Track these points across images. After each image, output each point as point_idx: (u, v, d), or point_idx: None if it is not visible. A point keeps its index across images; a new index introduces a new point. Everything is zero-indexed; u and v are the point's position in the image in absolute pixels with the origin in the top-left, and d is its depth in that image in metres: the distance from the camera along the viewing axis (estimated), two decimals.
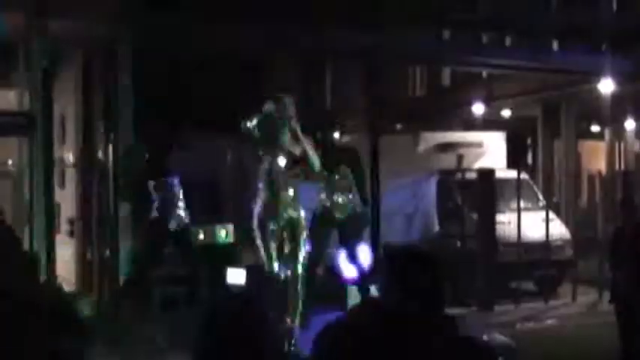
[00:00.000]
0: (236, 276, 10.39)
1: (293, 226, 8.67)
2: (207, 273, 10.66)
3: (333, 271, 10.96)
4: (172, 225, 10.33)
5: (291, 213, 8.65)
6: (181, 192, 10.36)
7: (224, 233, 10.70)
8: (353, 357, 2.01)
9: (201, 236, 11.15)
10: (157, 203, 10.32)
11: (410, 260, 3.17)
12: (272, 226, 8.59)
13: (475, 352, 3.14)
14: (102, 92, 15.78)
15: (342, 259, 11.04)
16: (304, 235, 8.75)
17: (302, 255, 8.72)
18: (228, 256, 11.22)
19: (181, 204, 10.37)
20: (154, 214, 10.32)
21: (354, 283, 11.13)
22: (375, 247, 11.39)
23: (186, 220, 10.41)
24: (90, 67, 16.28)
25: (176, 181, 10.42)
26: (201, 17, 14.53)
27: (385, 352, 2.02)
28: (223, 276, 10.70)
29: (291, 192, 8.65)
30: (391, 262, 3.19)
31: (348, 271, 10.93)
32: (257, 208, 8.60)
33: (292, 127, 8.64)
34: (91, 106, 16.42)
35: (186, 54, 16.77)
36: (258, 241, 8.59)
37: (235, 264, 10.42)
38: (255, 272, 9.25)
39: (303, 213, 8.83)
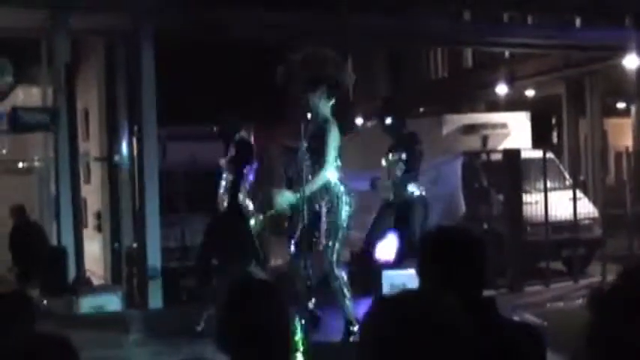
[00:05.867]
0: None
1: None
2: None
3: (365, 257, 11.00)
4: None
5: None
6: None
7: (253, 223, 10.70)
8: (399, 345, 1.99)
9: None
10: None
11: (448, 242, 3.15)
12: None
13: (523, 332, 3.13)
14: (125, 85, 15.86)
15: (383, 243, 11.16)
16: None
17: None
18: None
19: None
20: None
21: (389, 267, 11.18)
22: (403, 231, 11.38)
23: None
24: (112, 61, 16.36)
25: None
26: (225, 5, 14.54)
27: (429, 339, 1.99)
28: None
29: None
30: (429, 244, 3.17)
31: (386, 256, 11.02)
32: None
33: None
34: (114, 100, 16.51)
35: (211, 43, 16.76)
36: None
37: (259, 251, 10.43)
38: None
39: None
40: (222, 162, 10.26)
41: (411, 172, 11.23)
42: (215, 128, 10.87)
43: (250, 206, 10.30)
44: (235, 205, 10.24)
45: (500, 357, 1.98)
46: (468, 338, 2.01)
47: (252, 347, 2.88)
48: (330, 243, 8.64)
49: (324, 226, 8.68)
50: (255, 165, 10.34)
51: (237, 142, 10.24)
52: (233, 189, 10.16)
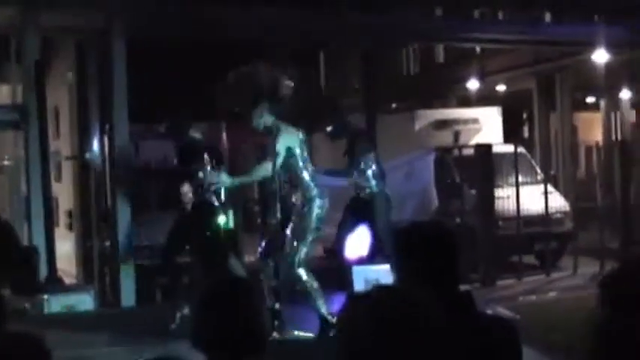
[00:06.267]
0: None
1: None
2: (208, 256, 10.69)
3: (336, 253, 11.02)
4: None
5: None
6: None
7: (223, 219, 10.69)
8: (375, 341, 1.98)
9: None
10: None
11: (422, 237, 3.15)
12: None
13: (497, 327, 3.14)
14: (96, 84, 15.75)
15: (352, 239, 11.21)
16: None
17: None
18: (228, 240, 11.25)
19: None
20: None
21: (359, 263, 11.22)
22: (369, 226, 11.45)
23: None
24: (83, 59, 16.24)
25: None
26: (197, 3, 14.48)
27: (405, 333, 1.99)
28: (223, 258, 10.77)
29: None
30: (403, 240, 3.17)
31: (356, 252, 11.05)
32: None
33: None
34: (85, 98, 16.40)
35: (181, 42, 16.68)
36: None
37: (233, 248, 10.44)
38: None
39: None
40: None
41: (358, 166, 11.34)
42: (163, 129, 10.99)
43: (216, 202, 10.33)
44: (199, 203, 10.27)
45: (477, 350, 1.98)
46: (441, 333, 2.01)
47: (227, 347, 2.88)
48: (295, 244, 8.69)
49: (291, 226, 8.75)
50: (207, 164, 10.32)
51: (183, 143, 10.38)
52: (195, 187, 10.24)
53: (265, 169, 8.67)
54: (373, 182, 11.35)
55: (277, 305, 8.87)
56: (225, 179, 9.16)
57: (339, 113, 11.46)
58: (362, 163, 11.35)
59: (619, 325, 2.30)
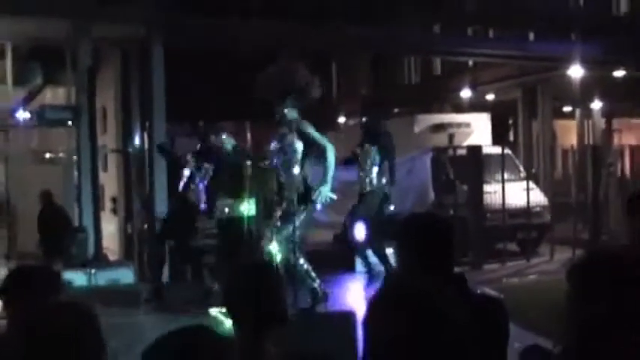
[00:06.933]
0: None
1: None
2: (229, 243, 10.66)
3: (344, 239, 10.99)
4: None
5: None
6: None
7: (245, 207, 10.65)
8: (409, 336, 1.95)
9: (227, 210, 11.10)
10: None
11: (422, 226, 3.15)
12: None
13: (490, 304, 3.15)
14: (138, 86, 15.79)
15: (357, 227, 11.14)
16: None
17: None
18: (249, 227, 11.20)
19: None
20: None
21: (362, 247, 11.22)
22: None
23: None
24: (127, 65, 16.28)
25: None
26: (222, 17, 14.48)
27: (423, 318, 1.96)
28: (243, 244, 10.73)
29: None
30: (405, 229, 3.17)
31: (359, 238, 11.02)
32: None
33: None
34: (128, 99, 16.44)
35: (211, 50, 16.67)
36: None
37: (254, 235, 10.40)
38: None
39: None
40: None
41: (380, 165, 11.13)
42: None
43: (201, 204, 10.29)
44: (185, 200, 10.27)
45: (474, 323, 1.98)
46: (463, 323, 2.00)
47: (254, 318, 2.93)
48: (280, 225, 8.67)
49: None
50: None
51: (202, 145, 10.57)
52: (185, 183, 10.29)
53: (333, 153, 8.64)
54: (372, 180, 10.98)
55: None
56: (325, 192, 8.66)
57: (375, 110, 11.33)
58: (366, 162, 11.06)
59: (585, 313, 2.28)
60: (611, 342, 2.21)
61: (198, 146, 10.62)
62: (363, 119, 11.59)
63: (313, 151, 8.73)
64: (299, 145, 8.68)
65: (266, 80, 8.89)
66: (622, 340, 2.20)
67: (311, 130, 8.70)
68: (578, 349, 2.25)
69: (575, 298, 2.31)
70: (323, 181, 8.60)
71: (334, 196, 8.81)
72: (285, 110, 8.68)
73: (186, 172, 10.39)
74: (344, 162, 11.12)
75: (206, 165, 10.33)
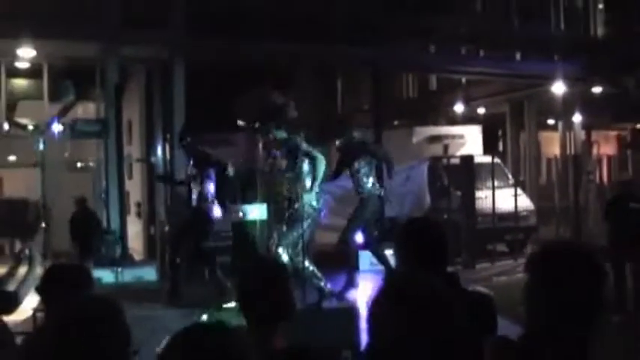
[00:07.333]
0: None
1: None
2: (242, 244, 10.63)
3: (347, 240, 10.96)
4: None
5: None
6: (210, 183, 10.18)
7: (256, 212, 10.59)
8: (406, 322, 1.94)
9: (240, 214, 11.09)
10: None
11: (418, 229, 3.15)
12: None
13: (481, 300, 3.15)
14: (160, 101, 15.82)
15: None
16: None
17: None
18: (261, 230, 11.16)
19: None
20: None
21: (363, 248, 11.19)
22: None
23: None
24: (151, 82, 16.32)
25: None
26: (236, 39, 14.50)
27: (425, 312, 1.96)
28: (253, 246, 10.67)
29: None
30: (404, 231, 3.17)
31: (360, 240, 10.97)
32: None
33: None
34: (151, 113, 16.47)
35: (227, 68, 16.66)
36: None
37: (264, 238, 10.35)
38: None
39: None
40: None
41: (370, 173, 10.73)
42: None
43: (214, 213, 10.11)
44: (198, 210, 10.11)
45: (467, 317, 1.99)
46: (461, 316, 2.01)
47: (266, 314, 2.94)
48: (285, 230, 8.64)
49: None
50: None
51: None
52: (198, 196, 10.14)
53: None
54: (366, 185, 10.41)
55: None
56: (309, 200, 8.63)
57: (348, 129, 10.84)
58: (357, 168, 10.40)
59: (541, 298, 2.25)
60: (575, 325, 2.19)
61: (191, 161, 10.26)
62: (336, 142, 10.69)
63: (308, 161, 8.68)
64: (291, 162, 8.63)
65: (243, 108, 8.89)
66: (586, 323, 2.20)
67: (300, 144, 8.59)
68: (543, 333, 2.23)
69: (534, 286, 2.29)
70: (308, 191, 8.54)
71: (318, 205, 8.71)
72: (274, 132, 8.65)
73: (194, 192, 10.13)
74: (333, 176, 10.76)
75: (205, 177, 10.10)
